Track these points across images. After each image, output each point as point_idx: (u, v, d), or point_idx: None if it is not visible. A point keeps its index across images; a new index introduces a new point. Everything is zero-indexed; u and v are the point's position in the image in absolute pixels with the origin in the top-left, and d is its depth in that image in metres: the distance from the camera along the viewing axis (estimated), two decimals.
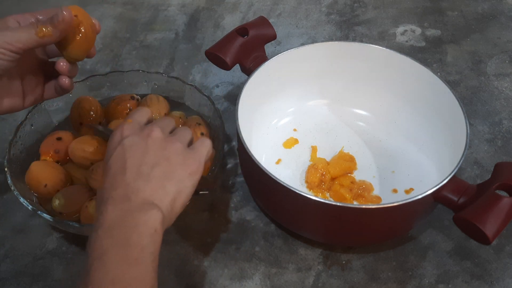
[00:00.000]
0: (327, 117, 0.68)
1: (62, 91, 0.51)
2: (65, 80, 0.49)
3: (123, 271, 0.33)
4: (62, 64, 0.48)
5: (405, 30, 0.86)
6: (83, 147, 0.57)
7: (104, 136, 0.57)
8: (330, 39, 0.84)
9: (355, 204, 0.57)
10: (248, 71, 0.60)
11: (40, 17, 0.47)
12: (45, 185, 0.54)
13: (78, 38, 0.46)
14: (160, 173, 0.39)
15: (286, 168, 0.62)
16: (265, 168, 0.48)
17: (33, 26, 0.44)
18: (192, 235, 0.57)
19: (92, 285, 0.32)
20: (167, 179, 0.39)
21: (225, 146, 0.66)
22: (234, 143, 0.67)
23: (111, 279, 0.33)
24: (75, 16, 0.45)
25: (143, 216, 0.36)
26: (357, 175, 0.61)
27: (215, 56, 0.60)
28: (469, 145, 0.54)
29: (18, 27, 0.45)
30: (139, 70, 0.66)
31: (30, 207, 0.50)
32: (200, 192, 0.46)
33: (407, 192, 0.58)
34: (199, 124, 0.61)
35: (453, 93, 0.56)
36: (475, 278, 0.53)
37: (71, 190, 0.54)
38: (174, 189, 0.39)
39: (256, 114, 0.62)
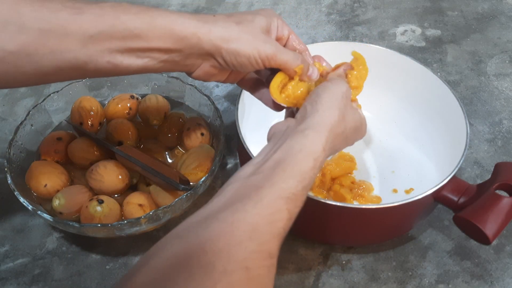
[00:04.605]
0: None
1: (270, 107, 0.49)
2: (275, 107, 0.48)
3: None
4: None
5: (405, 30, 0.86)
6: (83, 147, 0.57)
7: (99, 142, 0.57)
8: (330, 39, 0.84)
9: (355, 204, 0.57)
10: None
11: (300, 47, 0.47)
12: (45, 185, 0.54)
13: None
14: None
15: None
16: None
17: (298, 58, 0.44)
18: None
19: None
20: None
21: (225, 146, 0.66)
22: (234, 143, 0.67)
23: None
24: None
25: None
26: (357, 175, 0.61)
27: None
28: (469, 145, 0.54)
29: (286, 50, 0.44)
30: None
31: (30, 207, 0.50)
32: (182, 187, 0.52)
33: (407, 192, 0.58)
34: (199, 124, 0.61)
35: (453, 93, 0.56)
36: (475, 278, 0.53)
37: (71, 190, 0.54)
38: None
39: (256, 114, 0.62)
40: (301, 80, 0.45)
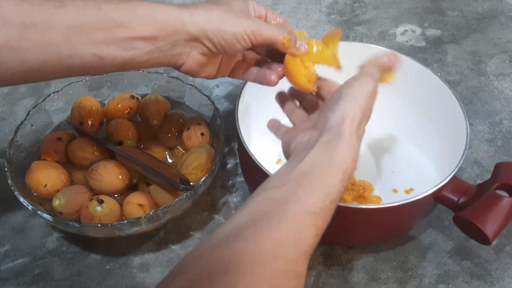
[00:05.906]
0: None
1: (265, 83, 0.48)
2: (273, 78, 0.47)
3: None
4: (273, 78, 0.47)
5: (405, 30, 0.86)
6: (83, 147, 0.57)
7: (99, 142, 0.58)
8: None
9: (355, 204, 0.57)
10: None
11: (279, 20, 0.47)
12: (45, 185, 0.54)
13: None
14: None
15: None
16: (265, 168, 0.48)
17: (283, 30, 0.44)
18: (192, 235, 0.57)
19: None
20: None
21: (225, 146, 0.66)
22: (234, 143, 0.67)
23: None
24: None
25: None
26: (357, 175, 0.61)
27: None
28: (469, 145, 0.54)
29: (269, 24, 0.44)
30: (139, 70, 0.66)
31: (30, 207, 0.50)
32: (182, 187, 0.52)
33: (407, 192, 0.58)
34: (199, 124, 0.61)
35: (453, 93, 0.56)
36: (475, 278, 0.53)
37: (71, 190, 0.54)
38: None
39: (256, 114, 0.62)
40: (292, 54, 0.45)
